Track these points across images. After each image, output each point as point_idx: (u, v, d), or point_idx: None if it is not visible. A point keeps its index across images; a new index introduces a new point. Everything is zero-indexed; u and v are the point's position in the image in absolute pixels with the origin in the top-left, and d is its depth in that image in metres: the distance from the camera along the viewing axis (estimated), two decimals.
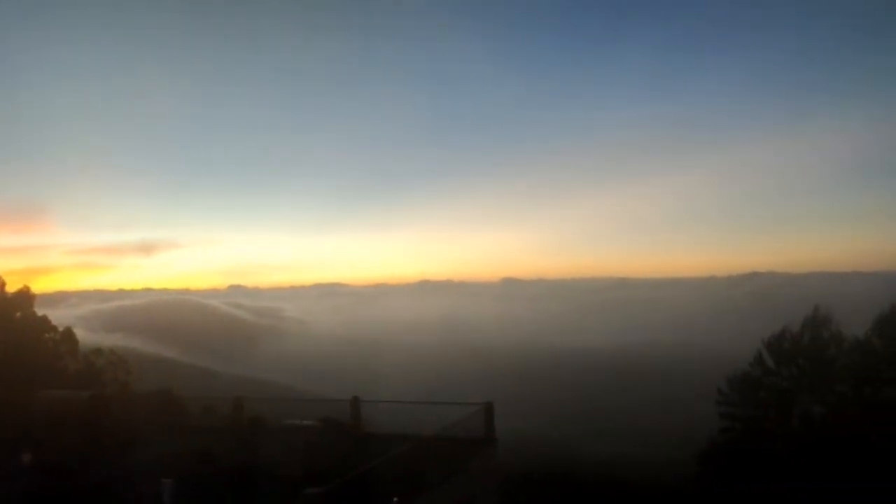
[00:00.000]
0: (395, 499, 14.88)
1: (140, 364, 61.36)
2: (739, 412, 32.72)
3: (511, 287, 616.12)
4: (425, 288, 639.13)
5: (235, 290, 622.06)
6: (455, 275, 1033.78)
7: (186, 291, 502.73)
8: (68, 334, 45.28)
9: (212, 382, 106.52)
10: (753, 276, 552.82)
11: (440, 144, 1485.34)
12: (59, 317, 51.80)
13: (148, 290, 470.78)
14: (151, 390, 31.57)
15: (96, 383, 40.44)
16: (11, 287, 43.13)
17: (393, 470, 16.57)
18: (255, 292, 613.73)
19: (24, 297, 43.31)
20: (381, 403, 26.47)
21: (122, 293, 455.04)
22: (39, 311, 44.36)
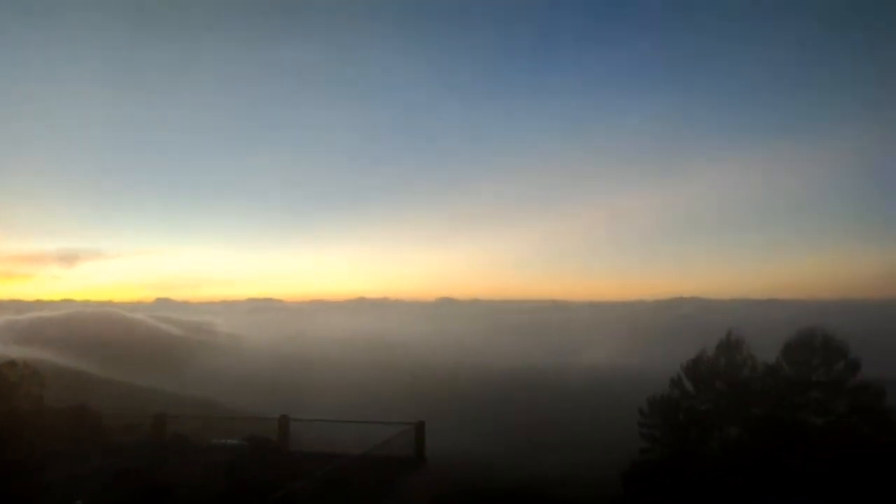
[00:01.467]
0: None
1: (57, 378, 58.53)
2: (659, 434, 33.79)
3: (447, 307, 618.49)
4: (361, 305, 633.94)
5: (163, 303, 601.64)
6: (392, 293, 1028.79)
7: (110, 304, 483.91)
8: None
9: (134, 399, 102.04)
10: (680, 302, 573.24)
11: (379, 163, 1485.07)
12: None
13: (68, 302, 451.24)
14: (67, 406, 30.09)
15: (8, 398, 38.35)
16: None
17: (320, 490, 16.44)
18: (185, 306, 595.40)
19: None
20: (311, 422, 26.12)
21: (39, 304, 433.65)
22: None
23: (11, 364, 44.80)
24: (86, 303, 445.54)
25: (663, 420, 33.98)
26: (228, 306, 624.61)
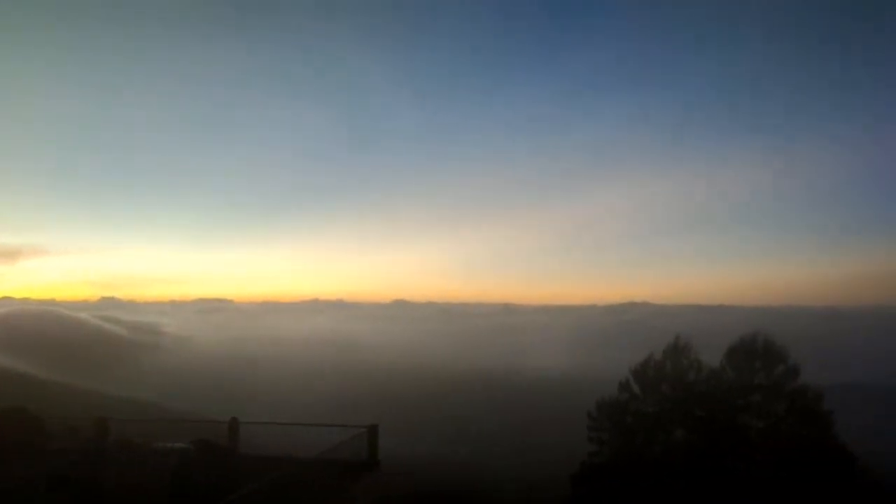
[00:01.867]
0: None
1: None
2: (607, 436, 34.50)
3: (402, 309, 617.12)
4: (315, 307, 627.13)
5: (108, 302, 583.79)
6: (347, 294, 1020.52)
7: (52, 302, 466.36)
8: None
9: (76, 401, 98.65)
10: (630, 306, 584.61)
11: (334, 162, 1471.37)
12: None
13: (7, 300, 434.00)
14: (5, 408, 28.93)
15: None
16: None
17: (270, 494, 16.26)
18: (131, 306, 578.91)
19: None
20: (262, 425, 25.78)
21: None
22: None
23: None
24: (26, 301, 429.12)
25: (611, 423, 34.72)
26: (177, 306, 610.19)
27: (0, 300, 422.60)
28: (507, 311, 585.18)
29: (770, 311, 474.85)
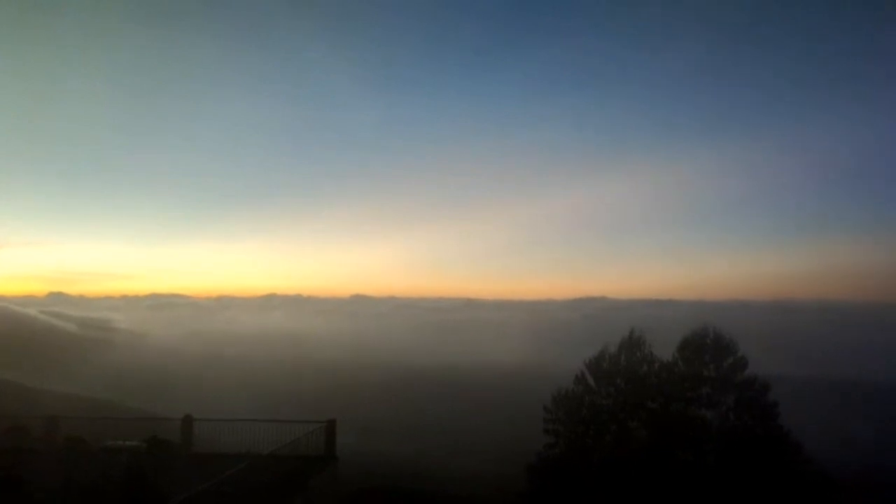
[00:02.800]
0: None
1: None
2: (562, 429, 35.12)
3: (360, 304, 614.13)
4: (272, 302, 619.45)
5: (56, 297, 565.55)
6: (304, 289, 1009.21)
7: None
8: None
9: (24, 400, 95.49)
10: (587, 301, 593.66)
11: (292, 157, 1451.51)
12: None
13: None
14: None
15: None
16: None
17: (225, 491, 16.14)
18: (81, 301, 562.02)
19: None
20: (218, 422, 25.45)
21: None
22: None
23: None
24: None
25: (567, 415, 35.35)
26: (129, 302, 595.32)
27: None
28: (467, 305, 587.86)
29: (719, 305, 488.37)
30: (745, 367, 35.24)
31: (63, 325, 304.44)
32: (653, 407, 34.60)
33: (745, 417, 34.17)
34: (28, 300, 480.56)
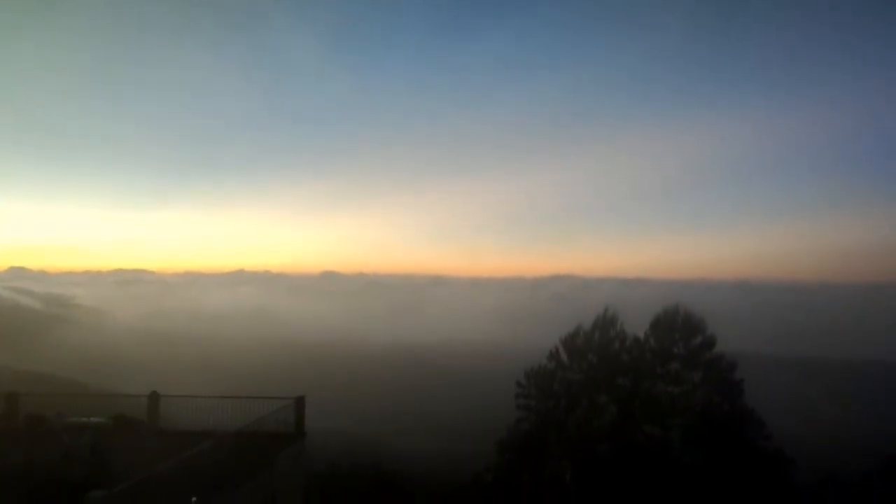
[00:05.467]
0: (194, 498, 14.19)
1: None
2: (534, 403, 35.35)
3: (330, 281, 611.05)
4: (241, 278, 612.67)
5: (16, 272, 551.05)
6: (273, 266, 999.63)
7: None
8: None
9: None
10: (556, 279, 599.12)
11: (262, 131, 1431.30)
12: None
13: None
14: None
15: None
16: None
17: (193, 468, 15.76)
18: (41, 276, 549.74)
19: None
20: (184, 399, 24.92)
21: None
22: None
23: None
24: None
25: (539, 390, 35.56)
26: (92, 278, 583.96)
27: None
28: (437, 283, 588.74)
29: (689, 284, 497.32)
30: (714, 345, 35.72)
31: (24, 300, 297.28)
32: (622, 383, 34.98)
33: (711, 394, 34.74)
34: None
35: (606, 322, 36.59)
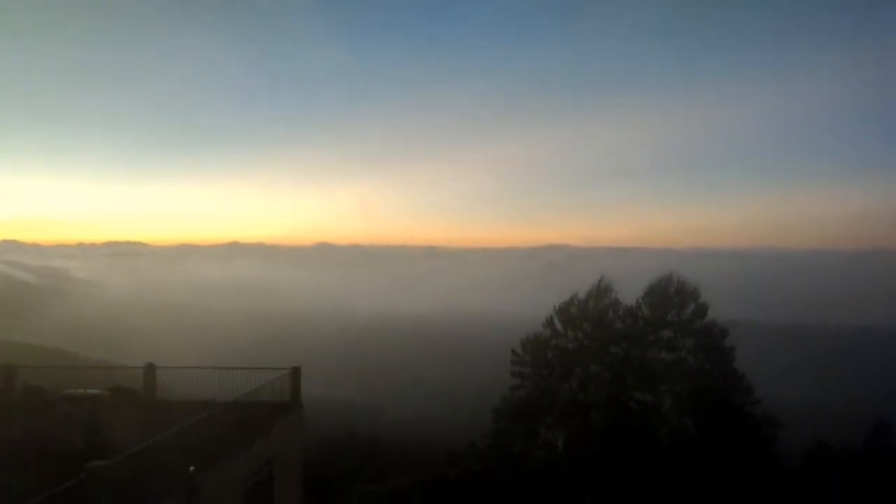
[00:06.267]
0: (192, 467, 14.36)
1: None
2: (529, 371, 35.78)
3: (325, 252, 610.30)
4: (235, 250, 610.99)
5: (9, 245, 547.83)
6: (268, 238, 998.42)
7: None
8: None
9: None
10: (551, 249, 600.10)
11: (255, 104, 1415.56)
12: None
13: None
14: None
15: None
16: None
17: (190, 438, 15.93)
18: (35, 249, 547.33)
19: None
20: (181, 370, 25.05)
21: None
22: None
23: None
24: None
25: (533, 359, 35.97)
26: (85, 250, 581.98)
27: None
28: (432, 253, 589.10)
29: (683, 253, 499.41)
30: (706, 313, 36.11)
31: (18, 273, 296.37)
32: (616, 351, 35.38)
33: (702, 361, 35.23)
34: None
35: (600, 291, 36.87)
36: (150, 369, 23.74)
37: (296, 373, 23.47)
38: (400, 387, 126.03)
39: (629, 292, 38.43)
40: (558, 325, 36.54)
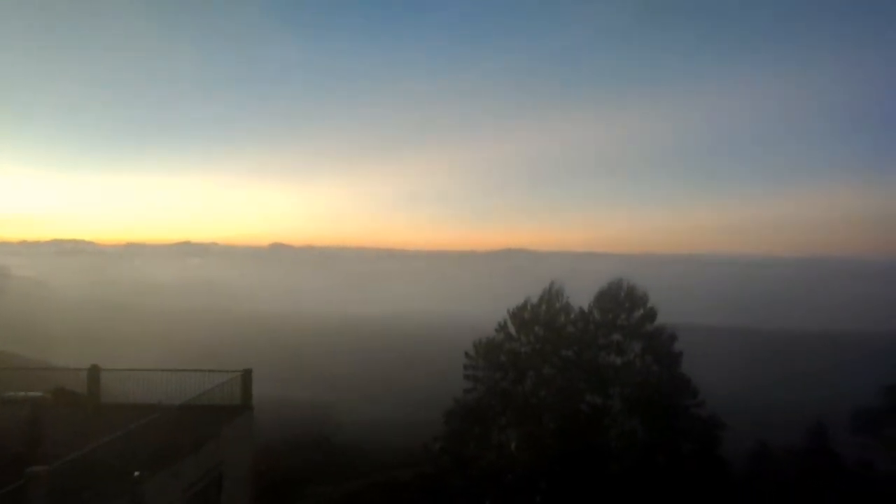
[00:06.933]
0: (137, 472, 14.10)
1: None
2: (482, 374, 36.08)
3: (280, 253, 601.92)
4: (187, 250, 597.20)
5: None
6: (221, 238, 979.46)
7: None
8: None
9: None
10: (509, 252, 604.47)
11: (209, 101, 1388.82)
12: None
13: None
14: None
15: None
16: None
17: (135, 442, 15.63)
18: None
19: None
20: (127, 372, 24.48)
21: None
22: None
23: None
24: None
25: (487, 361, 36.29)
26: (28, 248, 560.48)
27: None
28: (389, 256, 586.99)
29: (637, 258, 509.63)
30: (654, 317, 36.96)
31: None
32: (567, 354, 35.96)
33: (650, 364, 36.08)
34: None
35: (552, 295, 37.45)
36: (95, 371, 23.15)
37: (247, 375, 23.22)
38: (356, 389, 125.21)
39: (585, 296, 39.04)
40: (511, 328, 36.97)
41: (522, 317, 37.29)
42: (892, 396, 40.05)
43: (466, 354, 37.07)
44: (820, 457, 39.08)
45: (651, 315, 36.90)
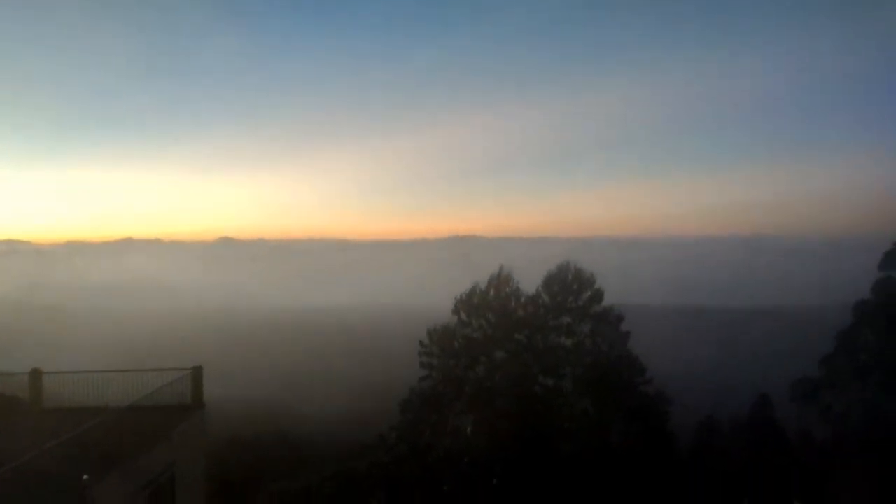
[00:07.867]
0: (85, 476, 13.80)
1: None
2: (436, 362, 36.37)
3: (227, 247, 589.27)
4: (129, 247, 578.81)
5: None
6: (164, 233, 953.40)
7: None
8: None
9: None
10: (459, 240, 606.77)
11: (150, 87, 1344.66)
12: None
13: None
14: None
15: None
16: None
17: (82, 446, 15.27)
18: None
19: None
20: (71, 375, 23.79)
21: None
22: None
23: None
24: None
25: (440, 349, 36.58)
26: None
27: None
28: (340, 247, 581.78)
29: (587, 241, 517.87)
30: (601, 299, 37.83)
31: None
32: (519, 338, 36.54)
33: (599, 344, 36.98)
34: None
35: (501, 280, 37.91)
36: (36, 375, 22.44)
37: (197, 373, 22.85)
38: (311, 383, 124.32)
39: (538, 281, 39.50)
40: (462, 314, 37.31)
41: (472, 302, 37.63)
42: (829, 367, 42.24)
43: (420, 343, 37.27)
44: (764, 428, 40.91)
45: (598, 296, 37.74)
